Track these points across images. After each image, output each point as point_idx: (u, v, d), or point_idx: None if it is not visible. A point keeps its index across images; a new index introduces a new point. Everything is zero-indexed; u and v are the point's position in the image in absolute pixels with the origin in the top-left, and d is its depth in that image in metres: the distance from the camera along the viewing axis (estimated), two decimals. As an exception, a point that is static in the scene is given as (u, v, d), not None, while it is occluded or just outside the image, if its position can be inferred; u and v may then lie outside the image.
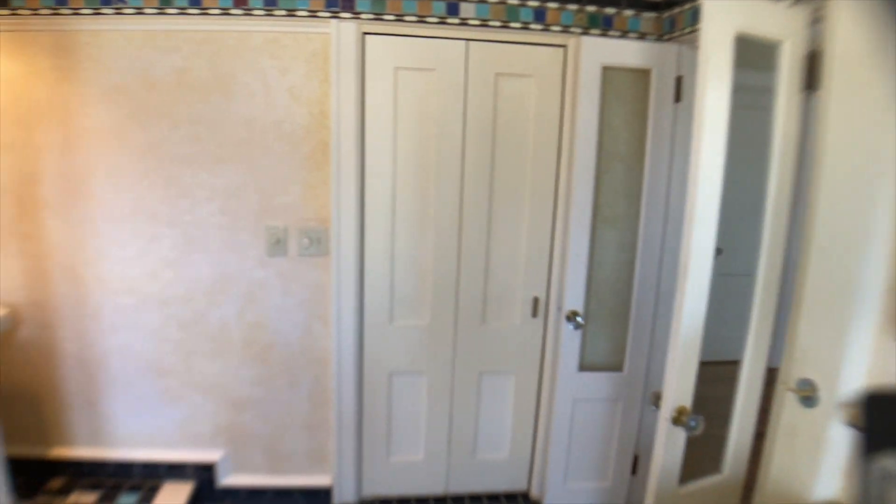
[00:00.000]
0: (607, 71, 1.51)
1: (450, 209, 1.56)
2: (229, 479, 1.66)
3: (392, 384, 1.65)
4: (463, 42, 1.50)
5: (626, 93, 1.59)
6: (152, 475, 1.63)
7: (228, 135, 1.50)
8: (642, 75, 1.56)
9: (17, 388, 1.65)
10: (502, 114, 1.55)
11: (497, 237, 1.60)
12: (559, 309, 1.63)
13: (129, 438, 1.66)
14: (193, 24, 1.47)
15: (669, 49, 1.49)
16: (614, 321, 1.75)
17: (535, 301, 1.65)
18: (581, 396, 1.64)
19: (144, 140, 1.50)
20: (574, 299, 1.55)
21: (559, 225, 1.59)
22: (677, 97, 1.52)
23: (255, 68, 1.47)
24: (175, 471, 1.63)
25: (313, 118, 1.51)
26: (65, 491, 1.61)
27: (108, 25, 1.45)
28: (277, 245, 1.53)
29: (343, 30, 1.44)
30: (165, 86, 1.48)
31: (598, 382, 1.66)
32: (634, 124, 1.62)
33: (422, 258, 1.59)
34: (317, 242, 1.53)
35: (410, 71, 1.49)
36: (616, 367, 1.76)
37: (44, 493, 1.60)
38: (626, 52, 1.49)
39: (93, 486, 1.63)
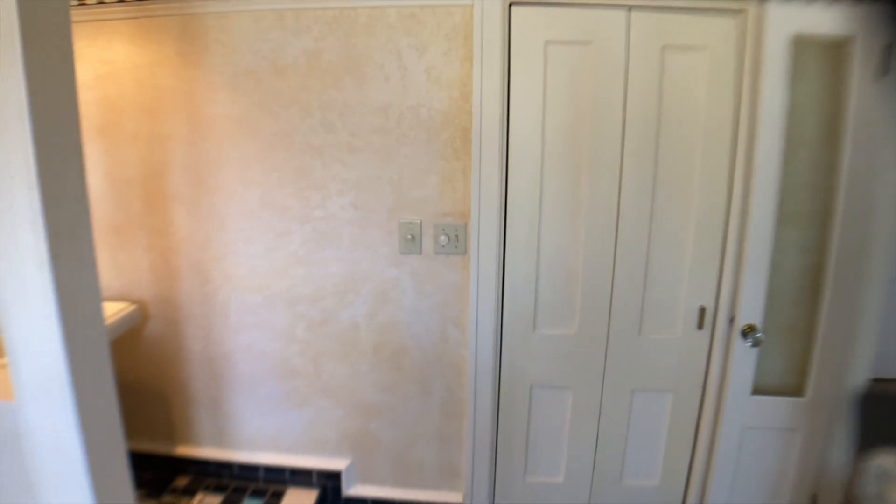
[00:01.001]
0: (797, 41, 1.56)
1: (604, 204, 1.70)
2: (355, 488, 1.96)
3: (533, 398, 1.85)
4: (624, 10, 1.60)
5: (816, 66, 1.63)
6: (276, 480, 1.97)
7: (362, 122, 1.73)
8: (839, 45, 1.59)
9: (144, 384, 2.04)
10: (668, 94, 1.66)
11: (659, 237, 1.74)
12: (730, 321, 1.74)
13: (254, 440, 1.99)
14: (324, 1, 1.71)
15: (877, 11, 1.53)
16: (793, 337, 1.83)
17: (702, 311, 1.77)
18: (752, 424, 1.75)
19: (274, 129, 1.77)
20: (751, 311, 1.66)
21: (733, 224, 1.69)
22: (885, 69, 1.56)
23: (390, 48, 1.68)
24: (299, 477, 1.96)
25: (453, 102, 1.70)
26: (190, 490, 1.99)
27: (236, 6, 1.72)
28: (412, 242, 1.77)
29: (487, 0, 1.62)
30: (295, 70, 1.73)
31: (774, 409, 1.75)
32: (825, 104, 1.65)
33: (571, 259, 1.75)
34: (454, 240, 1.75)
35: (562, 45, 1.64)
36: (795, 391, 1.85)
37: (170, 492, 1.99)
38: (822, 17, 1.53)
39: (217, 488, 1.99)
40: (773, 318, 1.78)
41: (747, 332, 1.65)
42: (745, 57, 1.61)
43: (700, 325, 1.77)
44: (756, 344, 1.62)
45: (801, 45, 1.61)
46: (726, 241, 1.72)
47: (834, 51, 1.64)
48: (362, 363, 1.85)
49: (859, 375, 1.80)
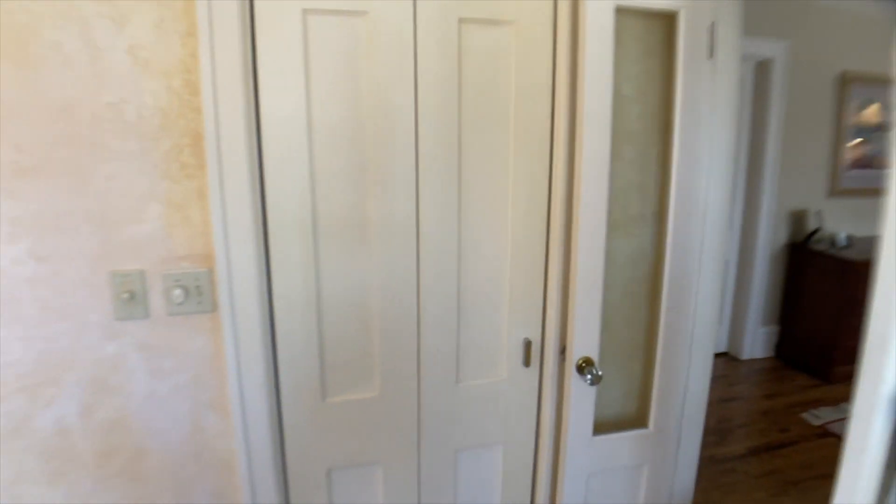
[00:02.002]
0: (620, 16, 1.62)
1: (401, 223, 1.60)
2: None
3: (333, 484, 1.74)
4: (406, -30, 1.53)
5: (637, 48, 1.71)
6: None
7: (33, 129, 1.42)
8: (663, 22, 1.69)
9: None
10: (470, 80, 1.61)
11: (470, 259, 1.72)
12: (560, 352, 1.82)
13: None
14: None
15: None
16: (630, 360, 1.96)
17: (527, 345, 1.82)
18: (597, 468, 1.86)
19: None
20: (586, 341, 1.74)
21: (556, 237, 1.74)
22: (710, 51, 1.71)
23: (71, 16, 1.40)
24: None
25: (174, 96, 1.47)
26: None
27: None
28: (132, 302, 1.53)
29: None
30: None
31: (619, 446, 1.85)
32: (649, 92, 1.78)
33: (362, 298, 1.65)
34: (195, 293, 1.55)
35: (328, 16, 1.49)
36: (637, 421, 2.02)
37: None
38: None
39: None
40: (607, 340, 1.89)
41: (583, 366, 1.73)
42: (561, 34, 1.64)
43: (527, 362, 1.82)
44: (595, 381, 1.70)
45: (624, 22, 1.68)
46: (549, 258, 1.77)
47: (660, 29, 1.75)
48: (83, 481, 1.58)
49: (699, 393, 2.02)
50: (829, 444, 3.48)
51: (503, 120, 1.64)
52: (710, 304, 1.91)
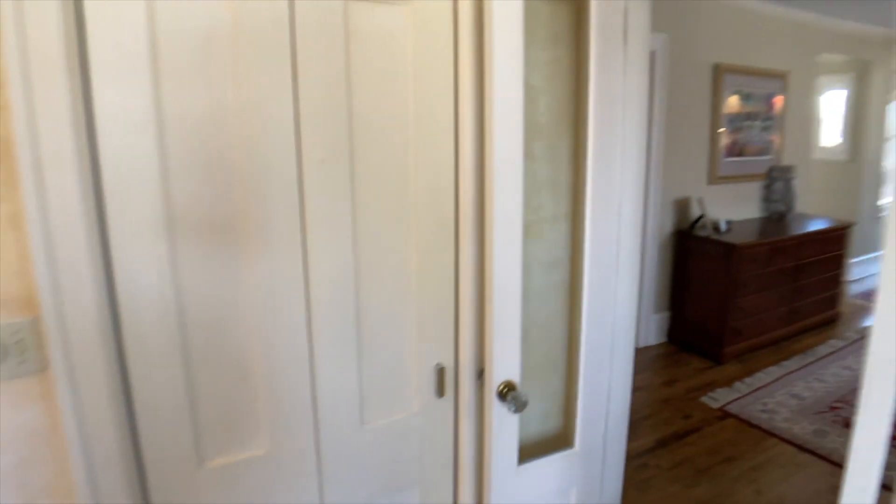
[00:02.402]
0: None
1: (283, 238, 1.33)
2: None
3: (216, 566, 1.44)
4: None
5: (544, 34, 1.53)
6: None
7: None
8: (571, 6, 1.52)
9: None
10: (360, 68, 1.36)
11: (369, 275, 1.46)
12: (478, 376, 1.60)
13: None
14: None
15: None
16: (550, 375, 1.78)
17: (440, 372, 1.58)
18: (525, 499, 1.68)
19: None
20: (506, 362, 1.52)
21: (466, 246, 1.52)
22: (624, 37, 1.54)
23: None
24: None
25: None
26: None
27: None
28: (-74, 367, 1.14)
29: None
30: None
31: (544, 472, 1.66)
32: (558, 82, 1.60)
33: (239, 335, 1.34)
34: (16, 351, 1.19)
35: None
36: (562, 440, 1.84)
37: None
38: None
39: None
40: (525, 355, 1.70)
41: (505, 392, 1.51)
42: (464, 17, 1.42)
43: (441, 391, 1.58)
44: (519, 408, 1.48)
45: (528, 3, 1.49)
46: (459, 270, 1.55)
47: (567, 12, 1.56)
48: None
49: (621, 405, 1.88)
50: (730, 425, 3.52)
51: (400, 114, 1.39)
52: (628, 307, 1.76)
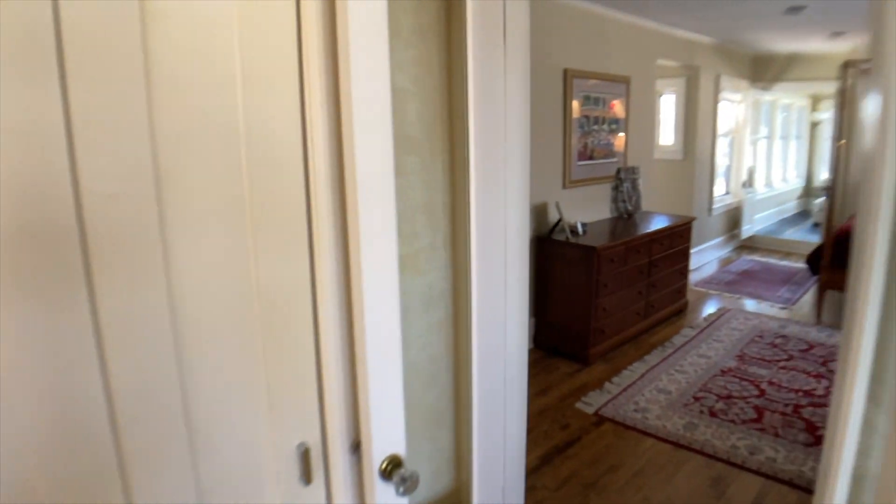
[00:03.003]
0: None
1: (63, 306, 0.94)
2: None
3: None
4: None
5: (410, 24, 1.25)
6: None
7: None
8: None
9: None
10: (165, 71, 0.99)
11: (198, 343, 1.09)
12: (353, 452, 1.28)
13: None
14: None
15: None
16: (437, 428, 1.49)
17: (305, 453, 1.23)
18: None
19: None
20: (388, 432, 1.21)
21: (327, 293, 1.19)
22: (503, 32, 1.30)
23: None
24: None
25: None
26: None
27: None
28: None
29: None
30: None
31: None
32: (429, 84, 1.33)
33: (13, 424, 0.93)
34: None
35: None
36: (455, 499, 1.58)
37: None
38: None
39: None
40: (409, 411, 1.41)
41: (389, 469, 1.20)
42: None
43: (307, 477, 1.24)
44: (408, 489, 1.18)
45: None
46: (318, 316, 1.22)
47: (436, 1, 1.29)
48: None
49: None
50: (607, 431, 3.46)
51: (227, 129, 1.03)
52: (520, 337, 1.52)
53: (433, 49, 1.27)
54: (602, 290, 4.41)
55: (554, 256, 4.53)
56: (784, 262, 7.75)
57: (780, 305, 5.99)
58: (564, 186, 4.84)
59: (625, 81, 5.33)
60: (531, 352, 4.71)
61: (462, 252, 1.38)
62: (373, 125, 1.06)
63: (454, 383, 1.46)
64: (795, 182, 11.93)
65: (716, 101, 7.19)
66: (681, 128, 6.99)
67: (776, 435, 3.43)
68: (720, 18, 5.29)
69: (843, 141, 5.01)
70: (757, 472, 3.07)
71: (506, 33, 1.29)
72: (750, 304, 6.02)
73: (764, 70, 8.03)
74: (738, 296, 6.28)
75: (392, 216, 1.14)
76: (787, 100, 10.48)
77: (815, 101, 11.62)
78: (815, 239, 8.93)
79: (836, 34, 5.91)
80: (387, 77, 1.09)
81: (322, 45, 1.08)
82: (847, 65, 4.95)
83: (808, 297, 6.25)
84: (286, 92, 1.10)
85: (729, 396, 3.91)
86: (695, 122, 6.86)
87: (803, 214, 11.89)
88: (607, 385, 4.07)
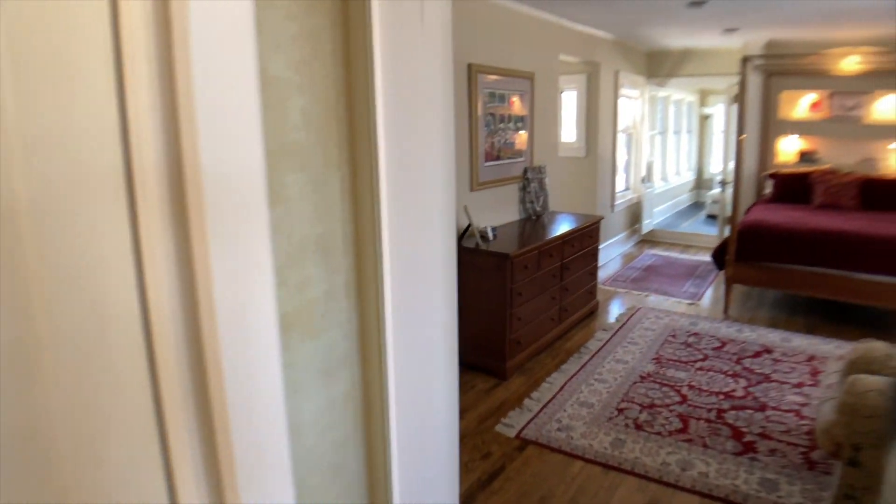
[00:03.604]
0: None
1: None
2: None
3: None
4: None
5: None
6: None
7: None
8: None
9: None
10: None
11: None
12: None
13: None
14: None
15: None
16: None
17: None
18: None
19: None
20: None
21: (171, 374, 0.80)
22: (420, 14, 0.96)
23: None
24: None
25: None
26: None
27: None
28: None
29: None
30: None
31: None
32: (320, 72, 0.98)
33: None
34: None
35: None
36: None
37: None
38: None
39: None
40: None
41: None
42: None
43: None
44: None
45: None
46: (163, 419, 0.83)
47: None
48: None
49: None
50: (532, 456, 3.21)
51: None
52: (449, 403, 1.19)
53: (325, 22, 0.92)
54: (517, 299, 4.18)
55: (465, 265, 4.24)
56: (685, 256, 7.92)
57: (688, 301, 6.04)
58: (472, 189, 4.57)
59: (529, 77, 5.14)
60: (444, 368, 4.41)
61: (372, 298, 1.04)
62: (230, 131, 0.69)
63: (367, 475, 1.11)
64: (688, 175, 12.41)
65: (616, 98, 7.21)
66: (583, 125, 6.94)
67: (704, 445, 3.31)
68: (623, 12, 5.22)
69: (745, 135, 5.06)
70: (692, 491, 2.92)
71: (423, 6, 0.96)
72: (658, 301, 6.03)
73: (659, 66, 8.17)
74: (645, 293, 6.29)
75: (265, 260, 0.78)
76: (679, 95, 10.84)
77: (704, 96, 12.14)
78: (710, 231, 9.25)
79: (730, 30, 6.02)
80: (252, 59, 0.72)
81: (149, 13, 0.71)
82: (746, 59, 5.01)
83: (712, 291, 6.36)
84: (91, 82, 0.71)
85: (652, 405, 3.78)
86: (596, 119, 6.83)
87: (696, 206, 12.39)
88: (527, 402, 3.84)
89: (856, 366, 2.49)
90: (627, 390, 3.99)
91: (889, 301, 4.95)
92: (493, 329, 4.18)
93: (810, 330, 5.22)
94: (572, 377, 4.20)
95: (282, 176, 0.88)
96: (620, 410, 3.71)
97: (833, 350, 4.71)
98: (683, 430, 3.47)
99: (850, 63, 5.85)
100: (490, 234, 4.39)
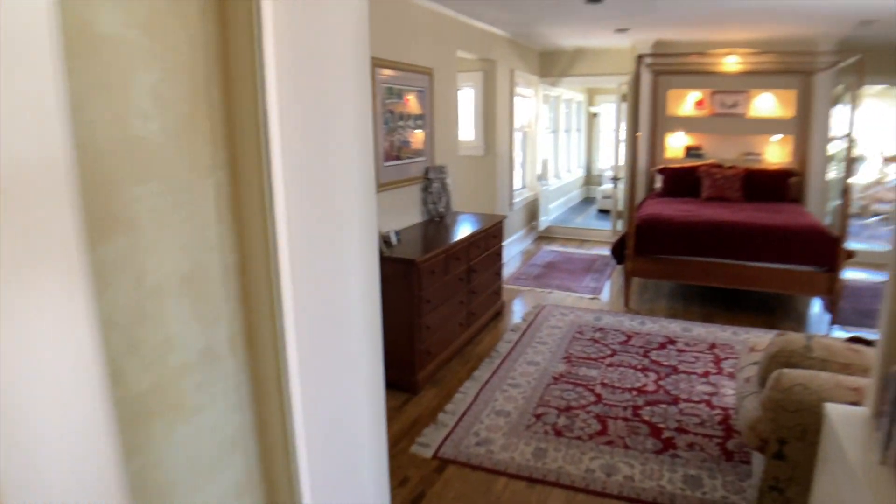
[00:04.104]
0: None
1: None
2: None
3: None
4: None
5: None
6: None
7: None
8: None
9: None
10: None
11: None
12: None
13: None
14: None
15: None
16: None
17: None
18: None
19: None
20: None
21: None
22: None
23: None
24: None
25: None
26: None
27: None
28: None
29: None
30: None
31: None
32: (180, 33, 0.68)
33: None
34: None
35: None
36: None
37: None
38: None
39: None
40: None
41: None
42: None
43: None
44: None
45: None
46: None
47: None
48: None
49: None
50: (452, 477, 2.97)
51: None
52: (379, 476, 0.92)
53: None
54: (425, 307, 3.93)
55: (368, 273, 3.95)
56: (581, 251, 8.01)
57: (589, 296, 6.05)
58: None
59: (428, 73, 4.91)
60: (350, 383, 4.09)
61: (269, 352, 0.75)
62: (21, 123, 0.39)
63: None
64: (578, 172, 12.70)
65: (512, 96, 7.14)
66: (481, 123, 6.81)
67: (626, 446, 3.22)
68: (522, 9, 5.10)
69: (640, 133, 5.09)
70: (619, 497, 2.79)
71: None
72: (561, 297, 6.00)
73: (552, 66, 8.21)
74: (548, 290, 6.25)
75: (81, 325, 0.48)
76: (569, 95, 11.03)
77: (592, 95, 12.46)
78: (603, 225, 9.46)
79: (621, 30, 6.09)
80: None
81: None
82: (640, 58, 5.03)
83: (611, 285, 6.42)
84: None
85: (569, 408, 3.66)
86: (494, 117, 6.72)
87: (587, 201, 12.71)
88: (441, 416, 3.60)
89: (776, 360, 2.44)
90: (542, 393, 3.86)
91: (775, 286, 5.16)
92: (402, 341, 3.91)
93: (707, 318, 5.35)
94: (486, 384, 4.02)
95: (121, 189, 0.57)
96: (538, 416, 3.56)
97: (731, 337, 4.83)
98: (603, 432, 3.37)
99: (731, 63, 6.08)
100: (394, 239, 4.12)
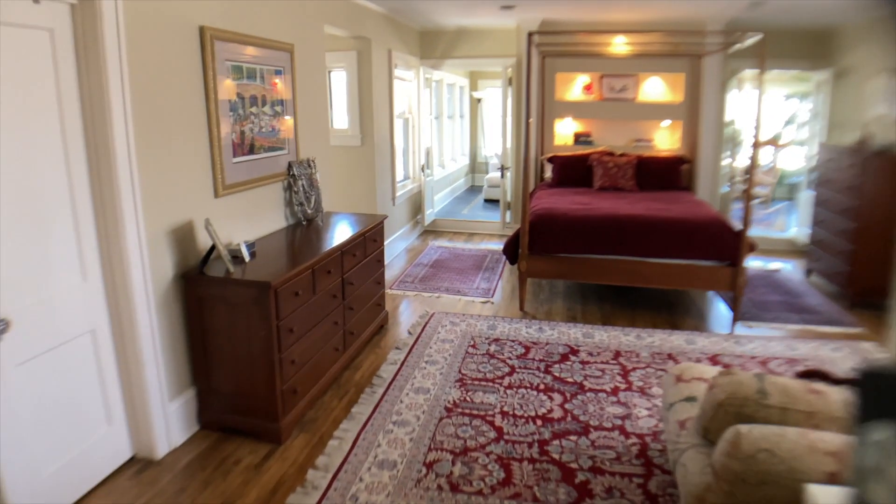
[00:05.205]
0: None
1: None
2: None
3: None
4: None
5: None
6: None
7: None
8: None
9: None
10: None
11: None
12: None
13: None
14: None
15: None
16: None
17: None
18: None
19: None
20: None
21: None
22: None
23: None
24: None
25: None
26: None
27: None
28: None
29: None
30: None
31: None
32: None
33: None
34: None
35: None
36: None
37: None
38: None
39: None
40: None
41: None
42: None
43: None
44: None
45: None
46: None
47: None
48: None
49: None
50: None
51: None
52: None
53: None
54: (287, 338, 3.15)
55: (211, 300, 3.10)
56: (470, 245, 7.47)
57: (482, 299, 5.50)
58: (217, 195, 3.40)
59: (287, 50, 4.06)
60: (199, 437, 3.21)
61: None
62: None
63: None
64: (462, 160, 12.20)
65: (391, 79, 6.41)
66: (356, 109, 6.03)
67: (535, 499, 2.65)
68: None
69: (532, 119, 4.55)
70: None
71: None
72: (451, 302, 5.40)
73: (433, 47, 7.55)
74: (436, 294, 5.64)
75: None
76: (452, 79, 10.44)
77: (475, 79, 11.94)
78: (491, 216, 8.99)
79: (507, 7, 5.52)
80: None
81: None
82: (531, 35, 4.46)
83: (504, 284, 5.92)
84: None
85: (465, 450, 3.04)
86: (371, 103, 5.96)
87: (473, 190, 12.25)
88: (312, 474, 2.86)
89: (724, 409, 1.93)
90: (434, 432, 3.22)
91: (676, 283, 4.84)
92: (258, 381, 3.11)
93: (607, 320, 4.95)
94: (366, 423, 3.32)
95: None
96: (429, 466, 2.91)
97: (635, 342, 4.43)
98: (507, 482, 2.78)
99: (619, 44, 5.69)
100: (245, 254, 3.29)
